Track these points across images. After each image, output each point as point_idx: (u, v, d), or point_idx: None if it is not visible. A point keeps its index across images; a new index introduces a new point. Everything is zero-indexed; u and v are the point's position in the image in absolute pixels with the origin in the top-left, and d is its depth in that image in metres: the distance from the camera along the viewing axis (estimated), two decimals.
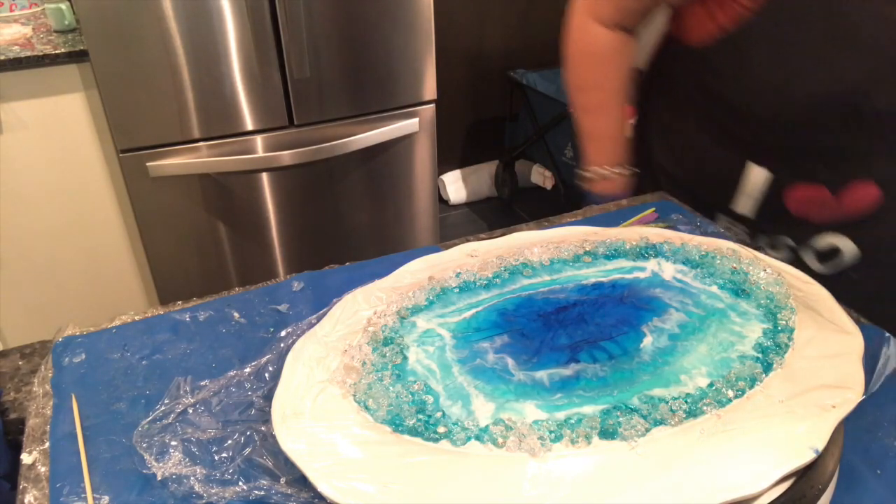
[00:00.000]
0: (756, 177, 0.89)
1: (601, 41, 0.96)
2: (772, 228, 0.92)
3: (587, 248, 0.73)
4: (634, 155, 1.07)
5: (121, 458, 0.56)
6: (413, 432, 0.52)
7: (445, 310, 0.66)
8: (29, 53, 1.63)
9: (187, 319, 0.72)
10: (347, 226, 2.03)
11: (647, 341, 0.59)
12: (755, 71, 0.84)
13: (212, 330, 0.70)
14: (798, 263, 0.92)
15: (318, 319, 0.67)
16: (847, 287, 0.86)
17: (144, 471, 0.54)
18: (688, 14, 0.91)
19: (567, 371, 0.56)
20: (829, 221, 0.88)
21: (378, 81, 1.86)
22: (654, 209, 0.91)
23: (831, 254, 0.90)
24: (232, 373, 0.63)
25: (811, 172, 0.86)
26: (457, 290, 0.68)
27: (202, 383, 0.62)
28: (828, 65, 0.79)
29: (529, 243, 0.74)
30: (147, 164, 1.72)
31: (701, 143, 0.95)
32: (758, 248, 0.94)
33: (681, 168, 1.00)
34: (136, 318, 0.73)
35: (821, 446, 0.48)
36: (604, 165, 1.01)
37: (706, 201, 0.96)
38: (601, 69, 0.97)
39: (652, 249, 0.72)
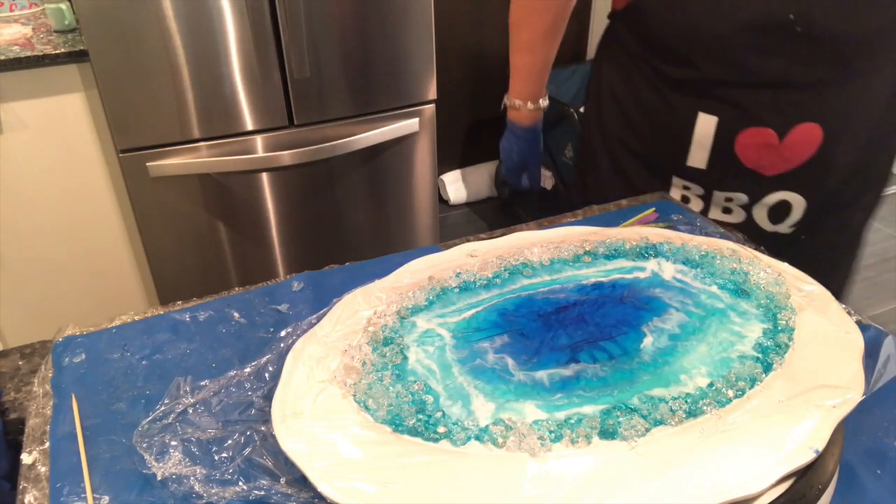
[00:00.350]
0: (706, 125, 0.92)
1: None
2: (726, 183, 0.95)
3: (587, 248, 0.73)
4: (590, 137, 1.14)
5: (121, 458, 0.56)
6: (413, 432, 0.52)
7: (445, 310, 0.66)
8: (29, 53, 1.63)
9: (187, 319, 0.72)
10: (347, 226, 2.03)
11: (648, 341, 0.59)
12: (688, 4, 0.87)
13: (212, 330, 0.70)
14: (750, 223, 0.97)
15: (318, 319, 0.67)
16: (796, 248, 0.91)
17: (144, 471, 0.54)
18: None
19: (567, 371, 0.56)
20: (779, 170, 0.91)
21: (378, 81, 1.86)
22: (654, 209, 0.91)
23: (782, 211, 0.95)
24: (232, 373, 0.63)
25: (757, 116, 0.89)
26: (457, 290, 0.68)
27: (202, 383, 0.62)
28: None
29: (529, 243, 0.74)
30: (147, 164, 1.72)
31: (651, 103, 0.98)
32: (707, 209, 0.99)
33: (635, 135, 1.03)
34: (136, 318, 0.73)
35: (821, 446, 0.48)
36: (522, 98, 1.10)
37: (661, 164, 1.00)
38: (533, 9, 1.03)
39: (652, 249, 0.72)
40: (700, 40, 0.89)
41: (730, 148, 0.92)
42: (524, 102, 1.10)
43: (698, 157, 0.95)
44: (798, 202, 0.94)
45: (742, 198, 0.96)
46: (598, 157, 1.11)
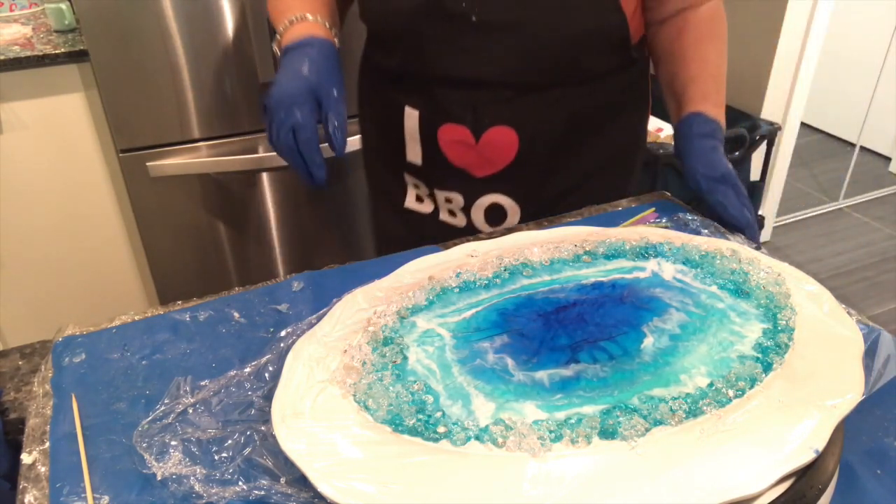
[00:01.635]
0: (411, 119, 0.90)
1: None
2: (443, 181, 0.94)
3: (587, 248, 0.73)
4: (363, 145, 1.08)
5: (121, 458, 0.56)
6: (413, 432, 0.52)
7: (445, 310, 0.66)
8: (29, 53, 1.63)
9: (187, 319, 0.72)
10: (347, 226, 2.03)
11: (648, 342, 0.59)
12: None
13: (212, 330, 0.70)
14: (472, 227, 0.96)
15: (318, 319, 0.67)
16: None
17: (144, 471, 0.54)
18: None
19: (567, 371, 0.56)
20: (486, 172, 0.90)
21: None
22: (654, 209, 0.91)
23: (498, 215, 0.94)
24: (232, 373, 0.63)
25: (451, 112, 0.87)
26: (457, 290, 0.68)
27: (202, 383, 0.62)
28: None
29: (529, 243, 0.74)
30: (147, 164, 1.72)
31: (376, 97, 0.97)
32: (437, 210, 0.97)
33: (371, 129, 1.02)
34: (136, 318, 0.73)
35: (821, 446, 0.48)
36: (304, 11, 0.91)
37: (391, 160, 0.97)
38: None
39: (652, 249, 0.72)
40: (390, 26, 0.86)
41: (435, 144, 0.90)
42: (305, 14, 0.85)
43: (413, 151, 0.93)
44: (510, 206, 0.93)
45: (459, 199, 0.94)
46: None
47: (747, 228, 0.82)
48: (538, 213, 0.92)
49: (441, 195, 0.96)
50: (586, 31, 0.84)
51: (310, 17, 0.85)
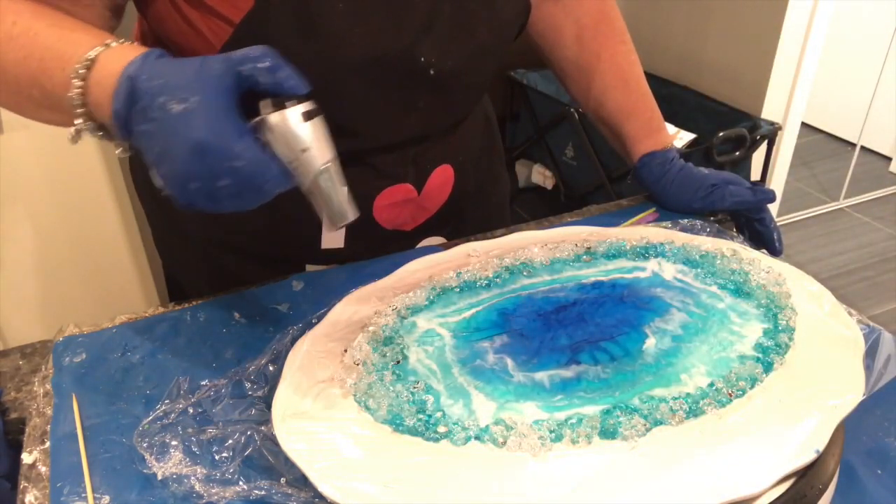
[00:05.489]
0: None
1: None
2: (370, 253, 0.82)
3: (588, 248, 0.73)
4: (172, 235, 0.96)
5: (121, 457, 0.56)
6: (413, 432, 0.52)
7: (445, 310, 0.66)
8: None
9: (187, 319, 0.72)
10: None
11: (650, 343, 0.59)
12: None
13: (212, 330, 0.70)
14: None
15: (318, 319, 0.67)
16: None
17: (145, 470, 0.54)
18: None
19: (568, 372, 0.56)
20: (419, 222, 0.84)
21: None
22: (654, 209, 0.91)
23: None
24: (232, 373, 0.63)
25: (395, 174, 0.78)
26: (457, 289, 0.68)
27: (202, 383, 0.62)
28: (369, 24, 0.68)
29: (529, 243, 0.74)
30: None
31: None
32: None
33: (243, 234, 0.82)
34: (136, 317, 0.73)
35: (822, 446, 0.48)
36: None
37: (288, 256, 0.82)
38: None
39: (652, 249, 0.72)
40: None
41: (368, 216, 0.78)
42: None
43: (334, 237, 0.80)
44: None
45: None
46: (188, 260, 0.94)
47: (778, 241, 0.83)
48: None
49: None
50: (508, 42, 0.80)
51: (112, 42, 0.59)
